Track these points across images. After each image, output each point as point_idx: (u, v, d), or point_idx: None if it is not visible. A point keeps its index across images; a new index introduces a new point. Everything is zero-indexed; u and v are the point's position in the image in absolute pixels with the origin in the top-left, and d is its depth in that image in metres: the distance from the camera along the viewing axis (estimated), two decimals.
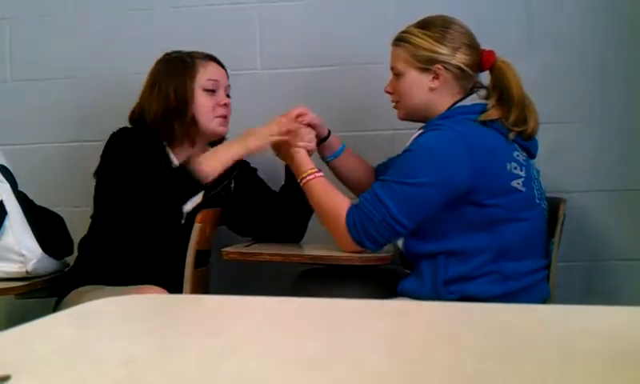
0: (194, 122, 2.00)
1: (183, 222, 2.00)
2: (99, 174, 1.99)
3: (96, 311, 0.93)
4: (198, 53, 2.06)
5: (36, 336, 0.78)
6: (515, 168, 1.76)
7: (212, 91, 2.03)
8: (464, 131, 1.73)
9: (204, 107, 2.01)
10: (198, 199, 2.04)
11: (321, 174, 1.89)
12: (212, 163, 1.88)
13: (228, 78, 2.10)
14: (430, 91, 1.84)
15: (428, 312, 0.96)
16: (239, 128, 2.14)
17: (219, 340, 0.75)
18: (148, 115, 2.00)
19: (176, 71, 2.01)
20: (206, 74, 2.03)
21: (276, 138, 1.91)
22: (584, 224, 2.27)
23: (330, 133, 2.09)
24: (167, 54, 2.08)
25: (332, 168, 2.12)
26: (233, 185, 2.13)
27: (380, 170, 2.12)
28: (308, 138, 1.96)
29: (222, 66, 2.09)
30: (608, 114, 2.29)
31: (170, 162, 2.02)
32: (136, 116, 2.04)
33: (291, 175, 2.05)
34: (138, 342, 0.76)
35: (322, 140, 2.07)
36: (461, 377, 0.61)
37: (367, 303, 0.94)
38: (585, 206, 2.26)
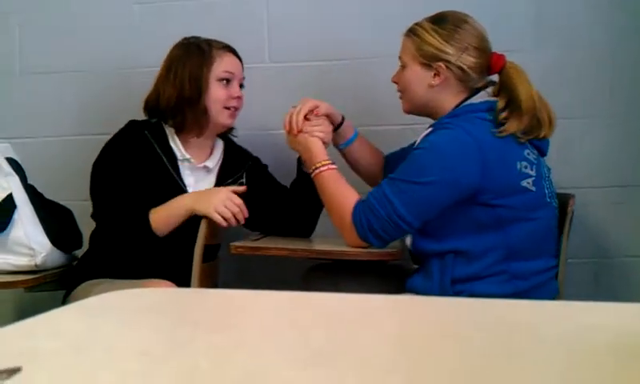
0: (205, 111, 2.02)
1: None
2: (91, 174, 2.02)
3: (105, 304, 0.93)
4: (216, 42, 2.07)
5: (46, 329, 0.78)
6: (526, 167, 1.74)
7: (226, 82, 2.04)
8: (474, 130, 1.72)
9: (216, 98, 2.03)
10: (210, 187, 2.06)
11: (334, 166, 1.89)
12: (160, 216, 1.92)
13: (243, 70, 2.11)
14: (430, 88, 1.83)
15: (435, 307, 0.96)
16: (246, 121, 2.15)
17: (229, 333, 0.75)
18: (162, 100, 2.02)
19: (193, 59, 2.02)
20: (222, 65, 2.03)
21: (217, 217, 1.89)
22: (592, 220, 2.26)
23: (343, 119, 2.09)
24: (185, 39, 2.09)
25: (344, 155, 2.12)
26: (244, 179, 2.14)
27: (390, 159, 2.12)
28: (324, 129, 1.95)
29: (239, 58, 2.10)
30: (617, 110, 2.28)
31: (174, 156, 2.03)
32: (152, 100, 2.05)
33: (302, 170, 2.05)
34: (148, 335, 0.77)
35: (335, 127, 2.07)
36: (468, 372, 0.61)
37: (375, 298, 0.94)
38: (594, 202, 2.25)
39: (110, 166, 1.99)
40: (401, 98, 1.93)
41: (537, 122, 1.78)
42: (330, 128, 1.98)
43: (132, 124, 2.06)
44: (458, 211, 1.74)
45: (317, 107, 1.97)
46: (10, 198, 2.01)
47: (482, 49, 1.83)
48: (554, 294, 1.83)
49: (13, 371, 0.58)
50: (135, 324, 0.83)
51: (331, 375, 0.60)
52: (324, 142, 1.93)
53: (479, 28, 1.84)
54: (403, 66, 1.89)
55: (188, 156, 2.05)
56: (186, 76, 2.00)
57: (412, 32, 1.86)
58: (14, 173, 2.06)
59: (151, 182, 1.99)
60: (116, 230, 1.95)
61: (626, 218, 2.28)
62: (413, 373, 0.61)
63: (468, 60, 1.80)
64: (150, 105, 2.06)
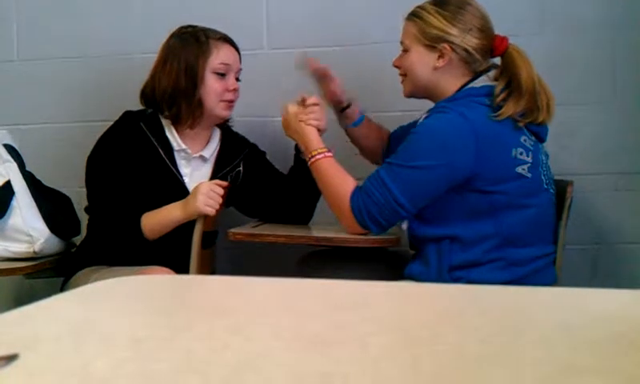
0: (200, 103, 2.00)
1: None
2: (86, 168, 2.01)
3: (104, 291, 0.93)
4: (213, 32, 2.04)
5: (44, 315, 0.78)
6: (521, 154, 1.74)
7: (222, 75, 2.02)
8: (470, 114, 1.72)
9: (212, 91, 2.00)
10: (206, 178, 2.05)
11: (330, 154, 1.89)
12: (152, 227, 1.92)
13: (240, 60, 2.09)
14: (435, 70, 1.83)
15: (433, 294, 0.96)
16: (244, 107, 2.14)
17: (226, 320, 0.75)
18: (157, 91, 2.00)
19: (189, 50, 1.99)
20: (218, 57, 2.01)
21: (210, 210, 1.87)
22: (591, 207, 2.26)
23: (350, 103, 2.10)
24: (182, 28, 2.06)
25: (349, 135, 2.13)
26: (241, 168, 2.13)
27: (392, 137, 2.12)
28: (319, 116, 1.94)
29: (236, 49, 2.07)
30: (617, 97, 2.27)
31: (170, 146, 2.03)
32: (148, 91, 2.03)
33: (300, 157, 2.05)
34: (145, 321, 0.77)
35: (342, 109, 2.07)
36: (466, 358, 0.61)
37: (372, 284, 0.94)
38: (592, 188, 2.25)
39: (105, 161, 1.98)
40: (402, 82, 1.93)
41: (535, 104, 1.77)
42: (324, 114, 1.97)
43: (127, 115, 2.05)
44: (454, 197, 1.74)
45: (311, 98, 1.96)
46: (8, 185, 2.01)
47: (486, 30, 1.82)
48: (551, 281, 1.84)
49: (10, 358, 0.58)
50: (133, 311, 0.84)
51: (328, 361, 0.60)
52: (320, 130, 1.93)
53: (482, 10, 1.84)
54: (405, 50, 1.88)
55: (184, 146, 2.04)
56: (181, 67, 1.98)
57: (415, 15, 1.86)
58: (12, 159, 2.06)
59: (147, 174, 1.98)
60: (108, 231, 1.95)
61: (625, 204, 2.28)
62: (410, 358, 0.61)
63: (472, 41, 1.80)
64: (146, 95, 2.04)
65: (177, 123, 2.04)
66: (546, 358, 0.60)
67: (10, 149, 2.08)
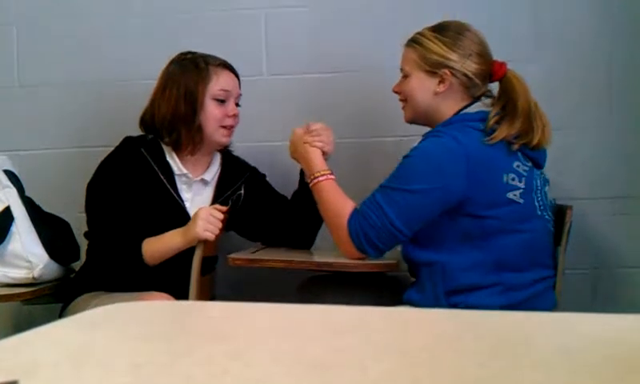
0: (199, 129, 2.01)
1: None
2: (86, 195, 2.01)
3: (103, 317, 0.93)
4: (212, 58, 2.05)
5: (43, 341, 0.78)
6: (513, 179, 1.75)
7: (222, 101, 2.03)
8: (463, 138, 1.73)
9: (212, 117, 2.01)
10: (207, 202, 2.05)
11: (332, 176, 1.89)
12: (152, 253, 1.91)
13: (240, 86, 2.10)
14: (435, 95, 1.84)
15: (432, 318, 0.96)
16: (243, 134, 2.15)
17: (226, 345, 0.75)
18: (157, 117, 2.01)
19: (188, 76, 2.00)
20: (218, 84, 2.02)
21: (209, 235, 1.88)
22: (590, 231, 2.27)
23: None
24: (182, 54, 2.07)
25: None
26: (242, 191, 2.13)
27: None
28: (324, 139, 1.94)
29: (236, 75, 2.08)
30: (615, 121, 2.28)
31: (171, 171, 2.03)
32: (147, 117, 2.04)
33: (304, 182, 2.05)
34: (145, 347, 0.77)
35: None
36: (464, 381, 0.61)
37: (372, 310, 0.94)
38: (591, 213, 2.25)
39: (105, 186, 1.98)
40: (403, 107, 1.94)
41: (530, 125, 1.78)
42: (331, 138, 1.97)
43: (127, 141, 2.05)
44: (446, 221, 1.74)
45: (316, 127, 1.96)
46: (7, 211, 2.01)
47: (484, 55, 1.84)
48: (551, 305, 1.83)
49: None
50: (133, 336, 0.83)
51: None
52: (324, 152, 1.94)
53: (480, 35, 1.86)
54: (405, 76, 1.89)
55: (185, 170, 2.04)
56: (181, 94, 1.99)
57: (415, 41, 1.87)
58: (11, 185, 2.06)
59: (149, 200, 1.98)
60: (108, 257, 1.95)
61: (624, 228, 2.29)
62: (410, 382, 0.61)
63: (472, 66, 1.82)
64: (146, 122, 2.05)
65: (177, 149, 2.04)
66: (544, 382, 0.60)
67: (10, 174, 2.09)
